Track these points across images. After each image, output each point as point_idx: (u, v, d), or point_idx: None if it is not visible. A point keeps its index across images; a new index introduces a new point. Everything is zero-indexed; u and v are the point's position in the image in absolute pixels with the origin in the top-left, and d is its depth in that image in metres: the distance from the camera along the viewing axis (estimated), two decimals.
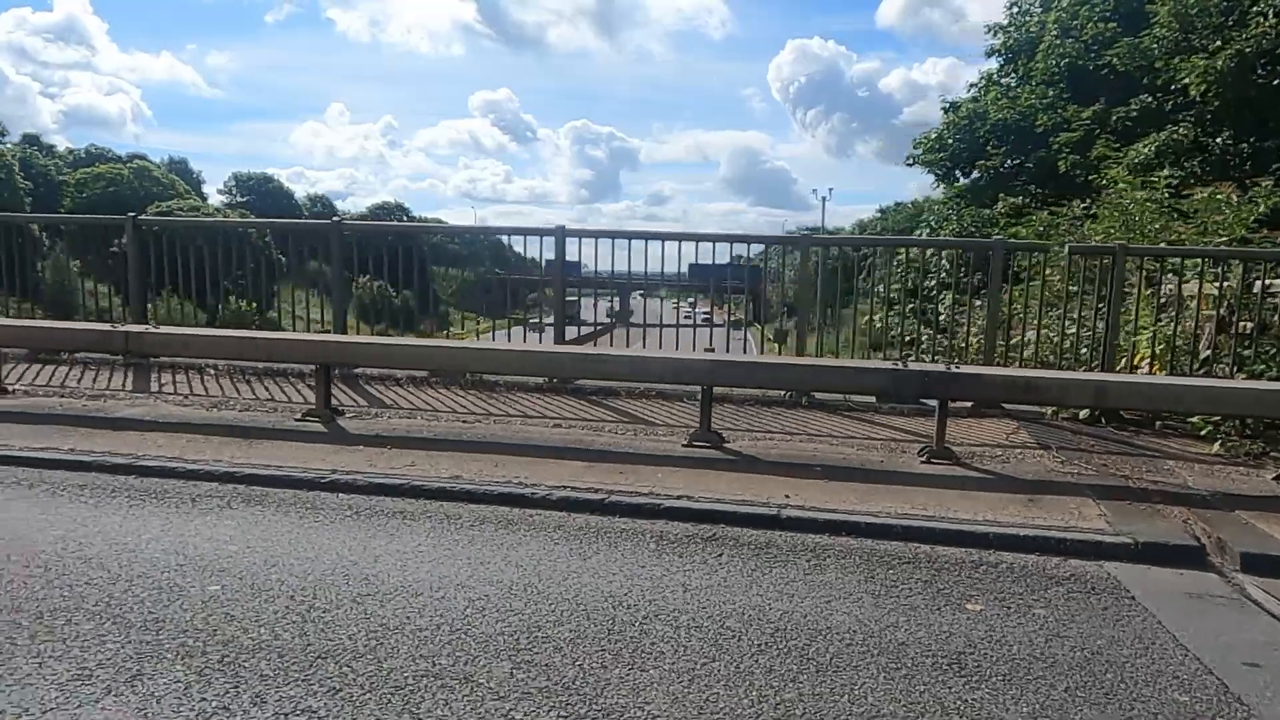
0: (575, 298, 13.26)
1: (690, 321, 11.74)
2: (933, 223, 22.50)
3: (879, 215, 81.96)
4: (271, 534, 4.67)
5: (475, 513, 5.22)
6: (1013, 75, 22.82)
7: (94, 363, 9.50)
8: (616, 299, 13.28)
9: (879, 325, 9.95)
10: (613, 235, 8.90)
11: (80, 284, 11.50)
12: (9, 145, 57.81)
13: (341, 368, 8.00)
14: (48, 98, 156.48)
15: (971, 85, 24.52)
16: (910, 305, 11.66)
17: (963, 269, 9.21)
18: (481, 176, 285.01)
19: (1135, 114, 17.56)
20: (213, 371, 9.28)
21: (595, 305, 13.29)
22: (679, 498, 5.43)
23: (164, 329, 7.46)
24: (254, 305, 11.29)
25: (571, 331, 10.14)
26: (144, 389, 8.53)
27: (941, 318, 12.31)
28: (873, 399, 8.20)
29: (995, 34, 23.76)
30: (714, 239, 8.78)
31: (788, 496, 5.49)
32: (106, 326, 7.49)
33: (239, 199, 74.19)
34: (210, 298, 10.55)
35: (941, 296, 12.21)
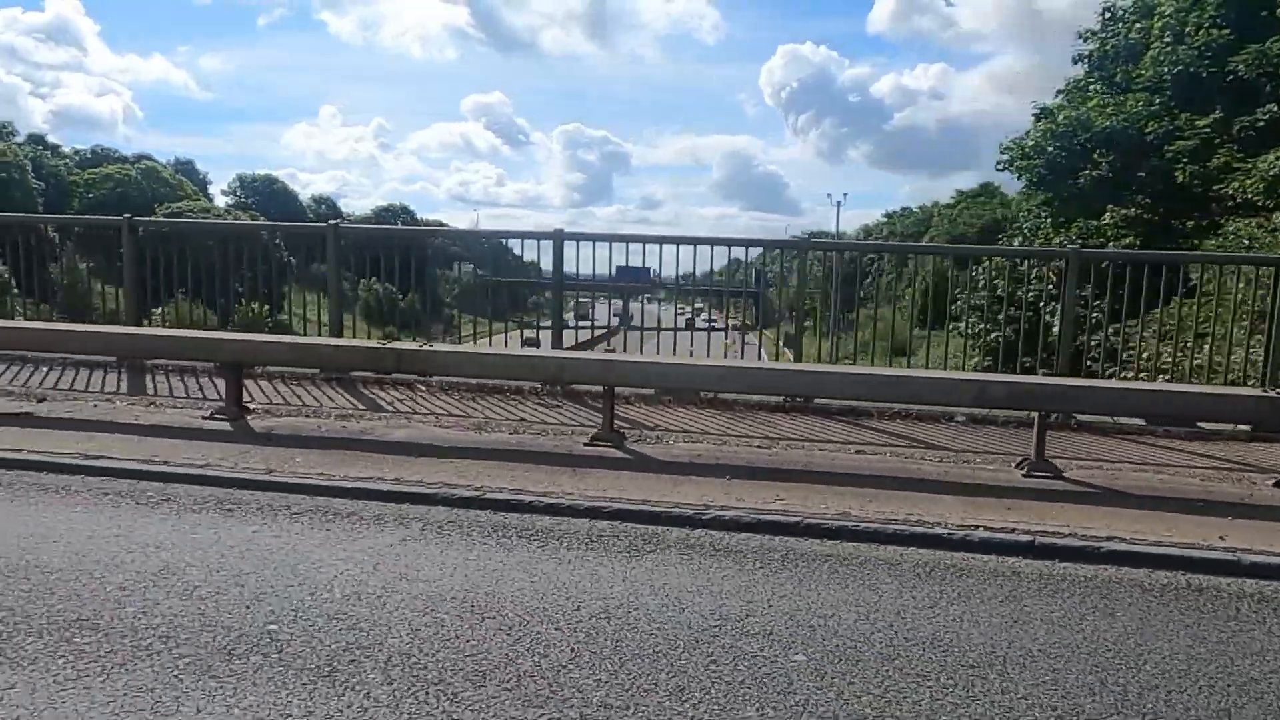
0: (589, 299, 12.80)
1: (700, 326, 11.37)
2: (1026, 231, 22.26)
3: (885, 220, 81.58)
4: (737, 585, 4.23)
5: (905, 556, 4.80)
6: (1099, 82, 22.58)
7: (289, 377, 9.00)
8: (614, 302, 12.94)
9: (972, 336, 9.63)
10: (846, 248, 8.54)
11: (94, 286, 10.80)
12: (18, 145, 56.29)
13: (625, 387, 7.55)
14: (38, 98, 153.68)
15: (1059, 92, 24.47)
16: (1003, 313, 11.24)
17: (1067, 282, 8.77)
18: (474, 179, 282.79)
19: (1262, 123, 17.42)
20: (423, 389, 8.80)
21: (593, 308, 12.84)
22: (1109, 539, 5.04)
23: (439, 347, 7.01)
24: (266, 308, 11.09)
25: (580, 334, 10.41)
26: (373, 407, 8.04)
27: (1055, 330, 11.93)
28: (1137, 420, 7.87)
29: (1086, 39, 23.58)
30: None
31: (1222, 538, 5.12)
32: (375, 344, 7.02)
33: (244, 200, 73.01)
34: (221, 299, 10.17)
35: (1049, 307, 11.88)
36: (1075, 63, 23.87)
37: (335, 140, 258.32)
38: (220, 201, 70.83)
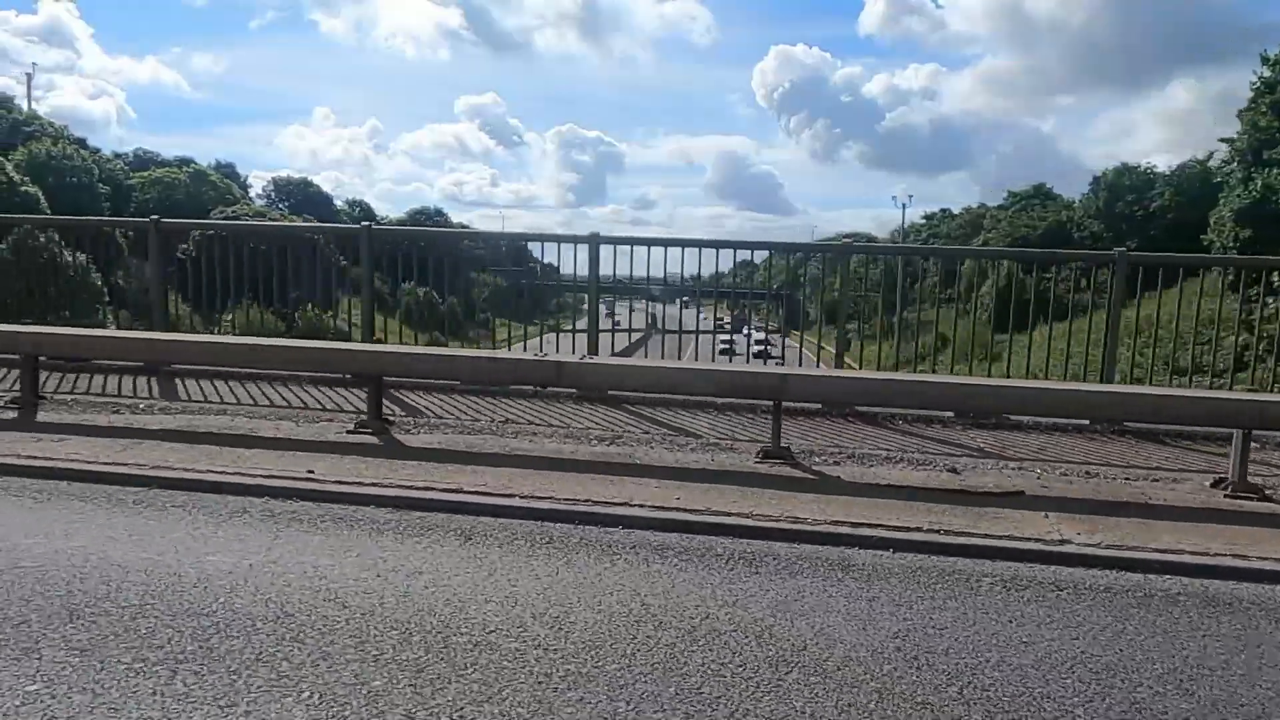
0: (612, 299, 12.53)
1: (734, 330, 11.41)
2: None
3: (924, 222, 78.12)
4: None
5: None
6: None
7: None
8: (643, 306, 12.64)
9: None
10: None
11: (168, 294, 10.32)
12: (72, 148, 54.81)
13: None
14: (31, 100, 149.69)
15: None
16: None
17: None
18: (467, 180, 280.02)
19: None
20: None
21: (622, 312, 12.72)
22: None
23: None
24: (326, 312, 11.30)
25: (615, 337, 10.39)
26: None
27: None
28: None
29: None
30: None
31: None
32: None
33: (278, 202, 71.90)
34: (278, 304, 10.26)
35: None
36: None
37: (328, 141, 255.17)
38: (256, 205, 69.57)
